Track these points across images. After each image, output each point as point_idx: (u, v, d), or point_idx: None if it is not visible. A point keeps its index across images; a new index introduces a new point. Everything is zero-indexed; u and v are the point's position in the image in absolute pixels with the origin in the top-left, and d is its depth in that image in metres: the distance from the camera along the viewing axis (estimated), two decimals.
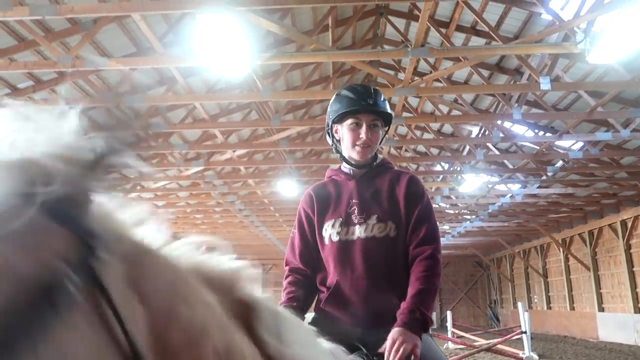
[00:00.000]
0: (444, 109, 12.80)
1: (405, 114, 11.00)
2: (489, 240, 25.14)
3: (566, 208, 17.85)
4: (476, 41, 10.24)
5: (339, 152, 2.11)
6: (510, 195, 15.15)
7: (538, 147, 12.43)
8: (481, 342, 13.66)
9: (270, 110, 10.78)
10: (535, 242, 23.96)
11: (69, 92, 9.45)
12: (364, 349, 1.65)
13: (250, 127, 11.82)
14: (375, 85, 12.77)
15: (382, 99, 2.03)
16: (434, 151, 15.44)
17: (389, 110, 2.05)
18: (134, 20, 6.99)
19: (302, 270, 2.03)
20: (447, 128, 14.44)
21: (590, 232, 19.11)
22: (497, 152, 13.11)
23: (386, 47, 11.58)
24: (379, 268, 1.90)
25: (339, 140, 2.08)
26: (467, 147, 13.12)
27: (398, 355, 1.64)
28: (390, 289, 1.88)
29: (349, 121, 2.00)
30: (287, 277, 2.03)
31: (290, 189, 13.35)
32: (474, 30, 10.11)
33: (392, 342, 1.67)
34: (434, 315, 25.97)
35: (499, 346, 12.32)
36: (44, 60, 7.85)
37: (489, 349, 11.97)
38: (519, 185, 14.59)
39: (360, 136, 1.98)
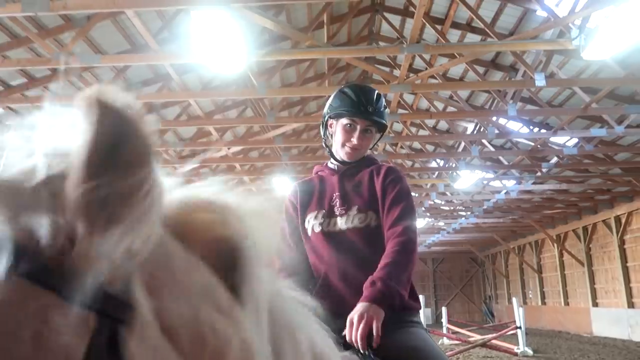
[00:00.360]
0: (440, 105, 12.81)
1: (400, 111, 11.00)
2: (484, 237, 25.24)
3: (560, 204, 17.93)
4: (471, 38, 10.25)
5: (327, 146, 2.16)
6: (505, 191, 15.21)
7: (533, 144, 12.48)
8: (476, 337, 13.73)
9: (265, 107, 10.75)
10: (530, 238, 24.08)
11: (63, 90, 9.42)
12: (356, 345, 1.58)
13: (245, 124, 11.79)
14: (370, 82, 12.78)
15: (382, 107, 2.06)
16: (430, 148, 15.47)
17: (385, 121, 2.07)
18: (128, 16, 6.93)
19: (292, 260, 2.04)
20: (443, 125, 14.45)
21: (585, 228, 19.22)
22: (492, 149, 13.15)
23: (382, 43, 11.57)
24: (364, 258, 1.91)
25: (331, 135, 2.12)
26: (463, 144, 13.14)
27: (358, 333, 1.56)
28: None
29: (345, 121, 2.03)
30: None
31: (286, 186, 13.34)
32: (469, 27, 10.11)
33: (350, 321, 1.60)
34: (429, 312, 26.27)
35: (494, 341, 12.39)
36: (37, 58, 7.79)
37: (484, 345, 12.03)
38: (514, 182, 14.64)
39: (352, 139, 2.02)
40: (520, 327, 12.54)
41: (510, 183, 14.88)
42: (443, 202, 17.96)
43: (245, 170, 14.07)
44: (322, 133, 2.18)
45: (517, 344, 12.54)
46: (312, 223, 2.03)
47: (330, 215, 2.02)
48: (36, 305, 0.49)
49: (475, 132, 12.37)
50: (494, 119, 11.50)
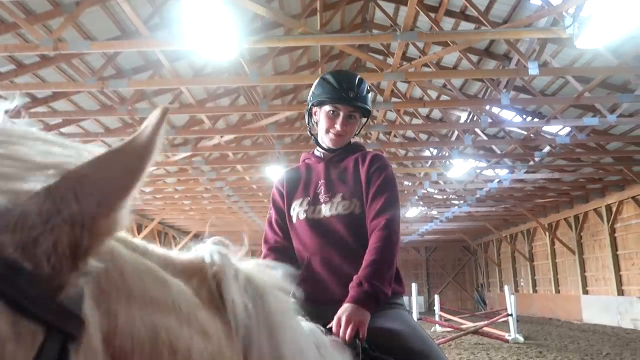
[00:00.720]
0: (433, 94, 12.78)
1: (394, 99, 10.96)
2: (476, 225, 25.39)
3: (552, 193, 18.05)
4: (465, 26, 10.20)
5: (313, 134, 2.16)
6: (497, 180, 15.27)
7: (526, 133, 12.50)
8: (468, 325, 13.88)
9: (258, 95, 10.67)
10: (522, 226, 24.25)
11: (53, 76, 9.27)
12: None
13: (238, 113, 11.71)
14: (364, 70, 12.72)
15: (365, 91, 2.04)
16: (423, 136, 15.46)
17: (368, 106, 2.06)
18: (117, 2, 6.83)
19: (280, 247, 2.04)
20: (436, 113, 14.44)
21: (576, 217, 19.37)
22: (485, 138, 13.16)
23: (375, 31, 11.49)
24: (347, 245, 1.92)
25: (316, 122, 2.12)
26: (456, 133, 13.15)
27: (346, 336, 1.58)
28: (359, 265, 1.85)
29: (327, 108, 2.03)
30: (265, 257, 2.02)
31: (279, 174, 13.28)
32: (463, 15, 10.06)
33: (337, 321, 1.62)
34: (421, 299, 26.53)
35: (486, 328, 12.53)
36: (26, 43, 7.67)
37: (475, 332, 12.16)
38: (507, 171, 14.69)
39: (335, 126, 2.02)
40: (511, 315, 12.67)
41: (502, 172, 14.93)
42: (436, 191, 18.01)
43: (238, 158, 14.01)
44: (307, 121, 2.18)
45: (508, 331, 12.67)
46: (297, 210, 2.04)
47: (315, 202, 2.02)
48: None
49: (468, 120, 12.37)
50: (487, 107, 11.50)
